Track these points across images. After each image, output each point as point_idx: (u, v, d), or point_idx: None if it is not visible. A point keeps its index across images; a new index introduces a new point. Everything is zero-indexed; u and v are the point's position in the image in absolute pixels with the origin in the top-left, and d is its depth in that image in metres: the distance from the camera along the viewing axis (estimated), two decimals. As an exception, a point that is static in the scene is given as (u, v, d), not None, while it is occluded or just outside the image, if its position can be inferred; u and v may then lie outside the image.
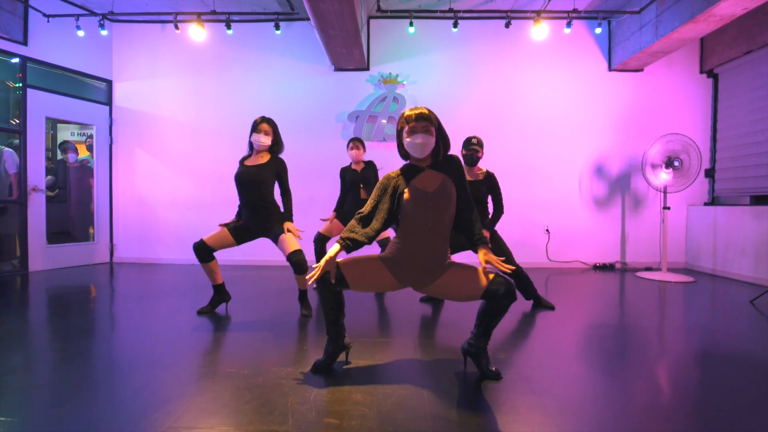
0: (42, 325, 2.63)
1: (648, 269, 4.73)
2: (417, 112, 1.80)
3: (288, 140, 5.18)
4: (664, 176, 4.27)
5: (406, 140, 1.83)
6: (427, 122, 1.80)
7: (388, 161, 5.05)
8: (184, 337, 2.35)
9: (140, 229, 5.28)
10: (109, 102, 5.25)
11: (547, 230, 4.97)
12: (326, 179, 5.10)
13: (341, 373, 1.87)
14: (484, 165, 5.16)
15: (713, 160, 4.87)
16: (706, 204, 4.88)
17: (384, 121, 4.98)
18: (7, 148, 4.62)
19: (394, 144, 5.17)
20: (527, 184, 4.98)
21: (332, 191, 5.08)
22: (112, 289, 3.78)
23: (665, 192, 4.35)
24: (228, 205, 5.15)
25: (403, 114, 1.84)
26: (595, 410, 1.56)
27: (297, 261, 2.68)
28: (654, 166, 4.31)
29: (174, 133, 5.21)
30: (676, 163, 4.19)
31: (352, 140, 3.84)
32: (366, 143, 5.07)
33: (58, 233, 5.16)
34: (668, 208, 4.37)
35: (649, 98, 4.94)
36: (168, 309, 3.00)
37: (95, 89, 5.22)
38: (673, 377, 1.90)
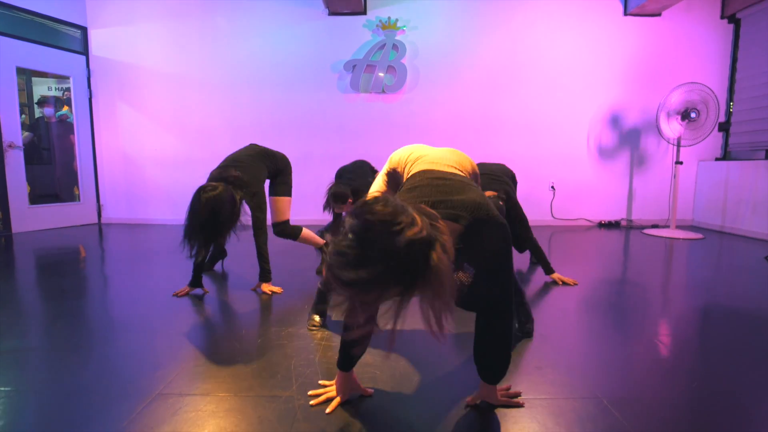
0: (29, 287, 2.47)
1: (655, 226, 4.62)
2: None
3: (280, 93, 4.87)
4: (679, 128, 4.06)
5: None
6: None
7: (387, 115, 4.77)
8: (177, 299, 2.21)
9: (127, 188, 5.03)
10: (85, 51, 4.85)
11: (552, 187, 4.80)
12: (322, 134, 4.83)
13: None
14: (487, 126, 4.88)
15: (728, 113, 4.64)
16: (717, 159, 4.70)
17: (381, 74, 4.66)
18: (-23, 102, 4.29)
19: (393, 96, 4.90)
20: (534, 138, 4.75)
21: (328, 147, 4.84)
22: (101, 250, 3.61)
23: (678, 145, 4.16)
24: (218, 162, 4.90)
25: None
26: (605, 364, 1.45)
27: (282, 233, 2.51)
28: (669, 116, 4.09)
29: (157, 86, 4.85)
30: (693, 115, 3.97)
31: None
32: (363, 95, 4.79)
33: (44, 196, 4.91)
34: (680, 163, 4.19)
35: (666, 45, 4.63)
36: (160, 270, 2.84)
37: (69, 37, 4.80)
38: (676, 331, 1.79)
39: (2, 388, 1.31)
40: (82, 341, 1.67)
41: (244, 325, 1.85)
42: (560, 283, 2.45)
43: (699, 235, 4.06)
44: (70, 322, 1.86)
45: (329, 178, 5.23)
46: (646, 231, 4.35)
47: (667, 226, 4.48)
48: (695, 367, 1.47)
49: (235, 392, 1.28)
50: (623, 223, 4.84)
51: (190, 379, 1.37)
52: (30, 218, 4.41)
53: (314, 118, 4.81)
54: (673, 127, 4.10)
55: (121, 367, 1.46)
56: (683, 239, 3.96)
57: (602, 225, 4.79)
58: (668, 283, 2.55)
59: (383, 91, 4.70)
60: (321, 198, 4.49)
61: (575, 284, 2.43)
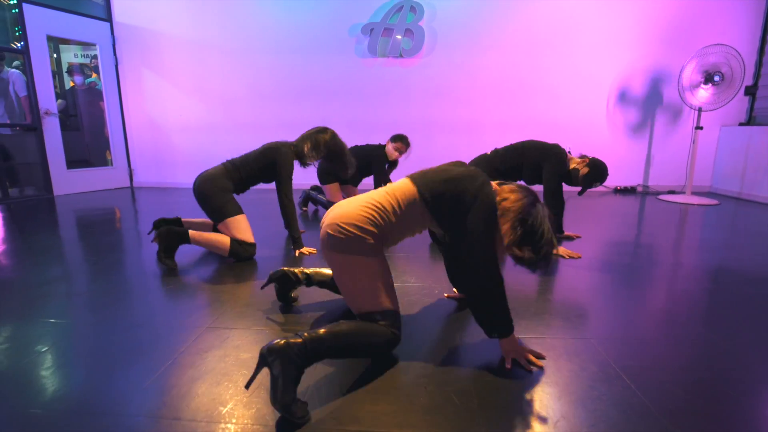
0: (74, 242, 2.73)
1: (671, 192, 4.63)
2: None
3: (298, 58, 4.93)
4: (702, 93, 3.99)
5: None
6: None
7: (404, 79, 4.80)
8: (210, 253, 2.42)
9: (155, 153, 5.26)
10: (109, 18, 4.96)
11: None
12: (339, 99, 4.91)
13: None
14: (504, 90, 4.84)
15: (757, 75, 4.50)
16: (741, 124, 4.61)
17: (399, 37, 4.64)
18: (13, 70, 4.50)
19: (411, 60, 4.90)
20: (552, 102, 4.73)
21: (346, 112, 4.92)
22: (135, 210, 3.87)
23: (700, 110, 4.10)
24: (240, 128, 5.06)
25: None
26: (612, 315, 1.60)
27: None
28: (692, 79, 4.02)
29: (179, 52, 4.96)
30: (716, 78, 3.89)
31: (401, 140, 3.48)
32: (380, 59, 4.81)
33: (76, 161, 5.18)
34: (701, 128, 4.15)
35: (691, 4, 4.46)
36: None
37: (93, 4, 4.91)
38: (684, 293, 1.91)
39: (56, 320, 1.55)
40: (130, 287, 1.90)
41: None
42: (566, 257, 2.32)
43: (714, 201, 4.07)
44: (116, 271, 2.10)
45: (346, 142, 5.34)
46: (662, 197, 4.37)
47: (683, 192, 4.48)
48: (699, 329, 1.60)
49: (271, 328, 1.49)
50: (639, 188, 4.85)
51: (233, 316, 1.58)
52: (68, 182, 4.71)
53: (332, 83, 4.87)
54: (695, 91, 4.03)
55: (168, 307, 1.69)
56: (698, 205, 3.98)
57: (617, 190, 4.81)
58: (678, 247, 2.64)
59: (401, 55, 4.71)
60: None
61: (578, 257, 2.34)
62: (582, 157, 2.53)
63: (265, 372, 1.12)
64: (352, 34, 4.74)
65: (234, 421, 1.01)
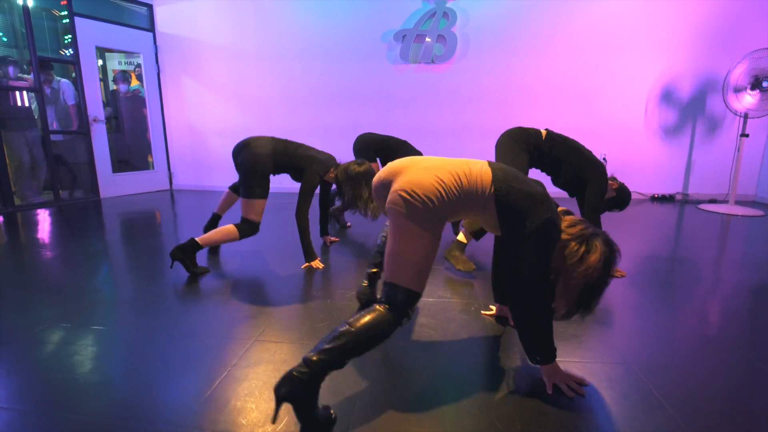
0: (119, 246, 2.90)
1: (712, 201, 4.46)
2: None
3: (330, 64, 5.01)
4: (748, 99, 3.83)
5: None
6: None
7: (435, 85, 4.81)
8: (251, 261, 2.53)
9: (194, 157, 5.48)
10: (152, 28, 5.19)
11: (604, 158, 4.71)
12: (371, 104, 4.97)
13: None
14: (537, 95, 4.74)
15: (809, 78, 4.26)
16: (790, 130, 4.39)
17: (429, 40, 4.65)
18: (64, 80, 4.77)
19: (443, 66, 4.91)
20: (586, 107, 4.64)
21: (377, 117, 4.98)
22: (174, 213, 4.05)
23: (746, 117, 3.93)
24: (274, 132, 5.16)
25: None
26: (651, 337, 1.59)
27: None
28: (737, 88, 3.86)
29: (217, 60, 5.14)
30: (764, 84, 3.72)
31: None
32: (412, 66, 4.83)
33: (118, 161, 5.45)
34: (746, 135, 3.98)
35: (738, 4, 4.27)
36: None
37: (137, 15, 5.15)
38: (725, 308, 1.86)
39: (105, 327, 1.66)
40: (175, 296, 2.02)
41: (315, 288, 2.13)
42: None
43: (759, 212, 3.91)
44: (160, 279, 2.22)
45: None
46: (702, 206, 4.22)
47: (725, 202, 4.31)
48: (745, 353, 1.57)
49: (314, 341, 1.55)
50: (678, 197, 4.70)
51: (278, 329, 1.66)
52: (113, 185, 4.96)
53: (364, 89, 4.94)
54: (741, 97, 3.87)
55: (216, 318, 1.78)
56: (741, 215, 3.83)
57: (655, 198, 4.68)
58: (720, 260, 2.57)
59: (432, 61, 4.72)
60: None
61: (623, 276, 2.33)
62: (612, 179, 2.49)
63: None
64: (384, 40, 4.78)
65: (288, 436, 1.08)
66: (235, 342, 1.56)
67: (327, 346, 1.09)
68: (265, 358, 1.45)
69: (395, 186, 1.25)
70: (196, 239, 2.30)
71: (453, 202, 1.22)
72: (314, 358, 1.07)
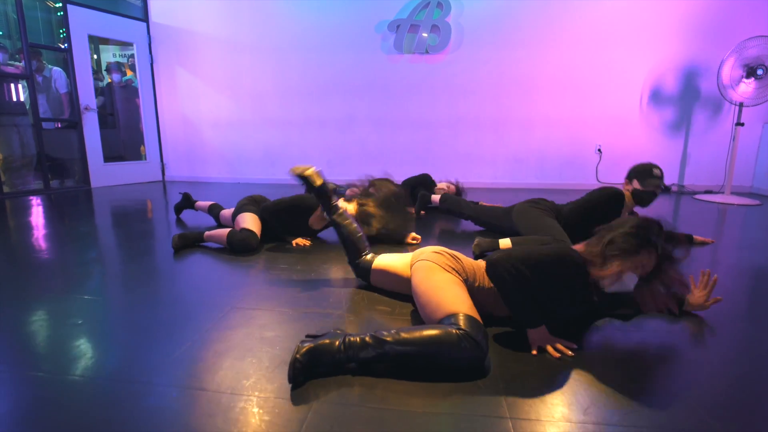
0: (109, 229, 2.85)
1: (708, 192, 4.43)
2: None
3: (324, 54, 4.98)
4: (743, 88, 3.80)
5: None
6: None
7: (430, 75, 4.78)
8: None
9: (187, 148, 5.43)
10: (146, 18, 5.16)
11: (599, 149, 4.68)
12: (365, 95, 4.93)
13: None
14: (531, 86, 4.71)
15: (805, 69, 4.24)
16: (786, 121, 4.36)
17: (425, 35, 4.63)
18: (56, 68, 4.73)
19: (437, 57, 4.88)
20: (581, 99, 4.61)
21: (372, 108, 4.94)
22: (166, 202, 4.00)
23: (741, 106, 3.90)
24: (269, 124, 5.17)
25: None
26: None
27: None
28: (732, 77, 3.83)
29: (211, 51, 5.11)
30: (759, 72, 3.70)
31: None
32: (406, 56, 4.80)
33: (111, 157, 5.39)
34: (742, 124, 3.95)
35: (736, -5, 4.25)
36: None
37: (131, 5, 5.12)
38: (721, 294, 1.82)
39: (92, 297, 1.61)
40: (161, 270, 1.97)
41: (298, 261, 2.08)
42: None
43: (756, 202, 3.87)
44: (147, 256, 2.17)
45: (372, 139, 5.39)
46: (699, 196, 4.19)
47: (721, 192, 4.28)
48: (736, 332, 1.53)
49: (294, 308, 1.51)
50: (674, 188, 4.67)
51: (257, 297, 1.61)
52: (105, 174, 4.92)
53: (358, 79, 4.90)
54: (737, 88, 3.84)
55: (195, 288, 1.73)
56: (737, 205, 3.79)
57: (650, 190, 4.63)
58: (717, 247, 2.52)
59: (426, 52, 4.70)
60: (363, 158, 4.68)
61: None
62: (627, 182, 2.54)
63: (287, 350, 1.20)
64: (378, 30, 4.76)
65: (256, 393, 1.03)
66: (213, 309, 1.51)
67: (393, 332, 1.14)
68: (241, 323, 1.40)
69: (423, 257, 1.41)
70: (204, 234, 2.33)
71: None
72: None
